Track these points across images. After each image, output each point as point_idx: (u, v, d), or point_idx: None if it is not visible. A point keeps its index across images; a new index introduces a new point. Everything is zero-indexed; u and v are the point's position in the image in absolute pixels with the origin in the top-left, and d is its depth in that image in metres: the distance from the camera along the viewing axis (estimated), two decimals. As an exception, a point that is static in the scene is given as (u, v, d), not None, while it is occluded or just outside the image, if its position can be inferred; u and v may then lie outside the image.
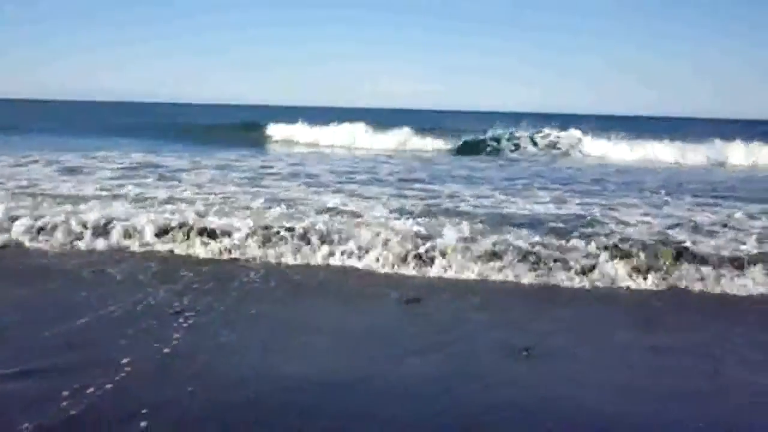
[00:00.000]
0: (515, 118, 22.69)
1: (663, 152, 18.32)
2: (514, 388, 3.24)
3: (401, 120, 24.45)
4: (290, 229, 5.82)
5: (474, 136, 20.74)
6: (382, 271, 5.29)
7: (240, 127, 25.61)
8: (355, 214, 6.72)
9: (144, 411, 2.80)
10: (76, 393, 2.94)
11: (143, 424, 2.70)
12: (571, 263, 5.20)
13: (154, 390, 3.03)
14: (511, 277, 5.11)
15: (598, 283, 5.03)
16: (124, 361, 3.32)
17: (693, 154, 17.91)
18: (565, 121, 22.14)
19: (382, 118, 26.13)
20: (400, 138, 20.96)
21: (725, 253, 5.42)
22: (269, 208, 6.94)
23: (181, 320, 3.96)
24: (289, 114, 28.35)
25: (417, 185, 10.07)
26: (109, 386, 3.03)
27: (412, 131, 21.33)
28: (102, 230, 5.92)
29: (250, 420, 2.81)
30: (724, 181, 12.42)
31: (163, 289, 4.59)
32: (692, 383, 3.35)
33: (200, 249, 5.63)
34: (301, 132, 23.00)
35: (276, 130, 23.80)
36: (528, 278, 5.08)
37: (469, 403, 3.03)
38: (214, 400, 2.96)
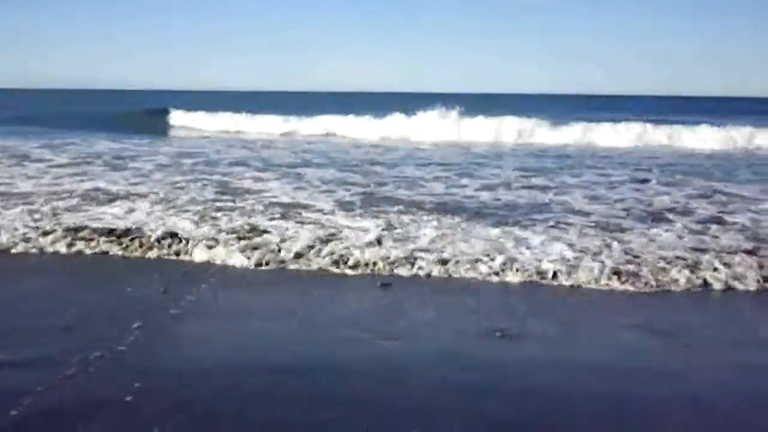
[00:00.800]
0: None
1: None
2: (488, 368, 3.27)
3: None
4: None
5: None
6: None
7: (144, 114, 25.26)
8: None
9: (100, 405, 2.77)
10: (29, 392, 2.85)
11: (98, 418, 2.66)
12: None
13: (108, 384, 2.96)
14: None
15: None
16: (75, 359, 3.22)
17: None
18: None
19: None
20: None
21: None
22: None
23: (137, 317, 3.84)
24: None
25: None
26: (61, 383, 2.96)
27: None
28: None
29: (220, 408, 2.78)
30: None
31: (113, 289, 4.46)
32: (662, 362, 3.41)
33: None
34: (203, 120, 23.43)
35: (179, 118, 23.94)
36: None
37: (441, 385, 3.05)
38: (178, 393, 2.91)
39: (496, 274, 4.77)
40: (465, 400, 2.91)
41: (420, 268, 4.88)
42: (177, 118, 24.22)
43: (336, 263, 5.00)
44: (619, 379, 3.18)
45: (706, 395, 3.01)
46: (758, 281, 4.62)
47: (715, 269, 4.74)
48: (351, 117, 21.02)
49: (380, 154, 13.55)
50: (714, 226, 6.23)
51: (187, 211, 6.67)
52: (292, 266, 4.98)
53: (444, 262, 4.94)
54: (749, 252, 5.20)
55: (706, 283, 4.60)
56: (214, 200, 7.35)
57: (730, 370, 3.30)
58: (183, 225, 5.98)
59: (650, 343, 3.66)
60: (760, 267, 4.80)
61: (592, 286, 4.57)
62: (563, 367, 3.30)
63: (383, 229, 5.88)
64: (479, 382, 3.10)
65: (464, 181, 9.51)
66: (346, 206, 7.11)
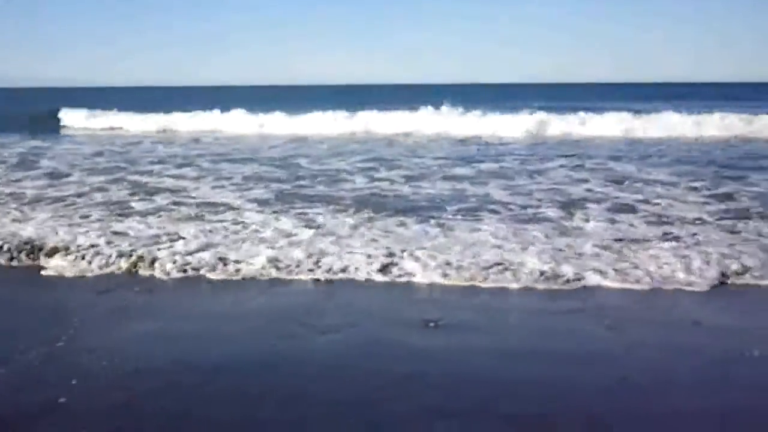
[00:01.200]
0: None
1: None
2: (420, 358, 3.31)
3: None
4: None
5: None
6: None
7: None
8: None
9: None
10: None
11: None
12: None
13: (44, 386, 2.95)
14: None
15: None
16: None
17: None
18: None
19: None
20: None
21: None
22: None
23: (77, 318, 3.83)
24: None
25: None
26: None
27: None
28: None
29: (165, 408, 2.77)
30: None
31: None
32: (585, 346, 3.50)
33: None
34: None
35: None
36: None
37: (374, 375, 3.09)
38: (123, 392, 2.89)
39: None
40: (401, 388, 2.95)
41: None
42: (68, 118, 22.69)
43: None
44: (549, 363, 3.27)
45: (634, 376, 3.10)
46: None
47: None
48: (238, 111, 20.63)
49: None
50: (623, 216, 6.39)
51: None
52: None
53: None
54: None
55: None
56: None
57: (654, 351, 3.41)
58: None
59: (576, 329, 3.76)
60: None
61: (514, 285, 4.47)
62: (492, 355, 3.37)
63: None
64: (414, 370, 3.14)
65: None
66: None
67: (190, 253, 5.02)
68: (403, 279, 4.58)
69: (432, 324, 3.74)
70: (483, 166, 10.46)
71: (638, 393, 2.93)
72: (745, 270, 4.57)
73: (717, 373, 3.16)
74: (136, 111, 22.45)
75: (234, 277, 4.65)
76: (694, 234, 5.56)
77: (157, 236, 5.62)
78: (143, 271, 4.79)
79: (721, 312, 3.99)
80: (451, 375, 3.11)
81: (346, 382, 3.05)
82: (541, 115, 17.46)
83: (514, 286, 4.39)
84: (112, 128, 21.12)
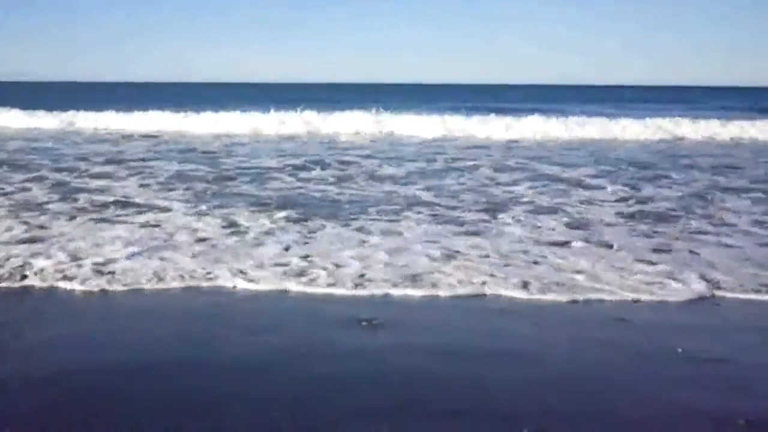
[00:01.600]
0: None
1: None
2: (353, 357, 3.33)
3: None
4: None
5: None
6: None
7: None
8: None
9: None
10: None
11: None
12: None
13: None
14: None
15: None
16: None
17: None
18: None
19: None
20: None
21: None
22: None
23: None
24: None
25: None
26: None
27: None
28: None
29: (75, 412, 2.69)
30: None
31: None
32: (517, 345, 3.60)
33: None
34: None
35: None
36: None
37: (303, 375, 3.09)
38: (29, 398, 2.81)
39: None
40: (330, 388, 2.96)
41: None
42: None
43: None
44: (472, 362, 3.35)
45: (554, 372, 3.21)
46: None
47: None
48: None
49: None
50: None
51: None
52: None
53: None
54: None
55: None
56: None
57: (575, 348, 3.52)
58: None
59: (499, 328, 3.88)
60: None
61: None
62: (420, 354, 3.41)
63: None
64: (341, 371, 3.16)
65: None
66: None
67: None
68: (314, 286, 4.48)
69: (364, 323, 3.74)
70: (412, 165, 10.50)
71: (556, 389, 3.00)
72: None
73: (641, 370, 3.25)
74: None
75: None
76: (607, 235, 5.76)
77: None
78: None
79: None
80: (376, 374, 3.13)
81: (267, 384, 3.01)
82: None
83: (434, 292, 4.36)
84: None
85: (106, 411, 2.71)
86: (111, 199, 7.24)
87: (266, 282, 4.43)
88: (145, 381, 2.99)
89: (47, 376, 3.02)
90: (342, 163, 10.91)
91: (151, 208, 6.76)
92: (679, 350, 3.40)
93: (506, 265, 4.80)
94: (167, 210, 6.64)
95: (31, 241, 5.29)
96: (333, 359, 3.29)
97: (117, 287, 4.30)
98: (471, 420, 2.70)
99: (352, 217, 6.43)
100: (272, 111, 19.06)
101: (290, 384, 3.00)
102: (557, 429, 2.64)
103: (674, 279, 4.56)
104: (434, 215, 6.60)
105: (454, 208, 7.01)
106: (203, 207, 6.78)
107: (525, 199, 7.58)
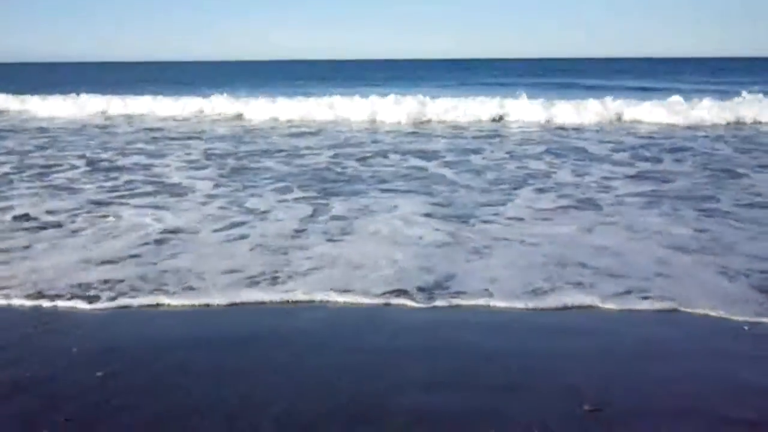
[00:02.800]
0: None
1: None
2: (408, 332, 3.31)
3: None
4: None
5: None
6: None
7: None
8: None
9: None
10: None
11: None
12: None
13: None
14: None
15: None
16: None
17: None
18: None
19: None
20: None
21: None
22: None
23: None
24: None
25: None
26: None
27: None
28: None
29: None
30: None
31: None
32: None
33: None
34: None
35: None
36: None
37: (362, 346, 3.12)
38: None
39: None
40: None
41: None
42: None
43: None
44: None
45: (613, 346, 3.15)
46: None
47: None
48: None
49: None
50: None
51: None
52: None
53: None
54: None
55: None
56: None
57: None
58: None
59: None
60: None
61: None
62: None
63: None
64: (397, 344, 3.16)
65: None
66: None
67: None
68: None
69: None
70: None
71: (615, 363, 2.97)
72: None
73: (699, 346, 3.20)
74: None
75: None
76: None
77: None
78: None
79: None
80: (431, 349, 3.13)
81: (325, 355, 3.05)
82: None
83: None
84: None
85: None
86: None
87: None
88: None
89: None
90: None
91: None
92: (745, 328, 3.31)
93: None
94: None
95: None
96: (386, 334, 3.30)
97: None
98: (531, 394, 2.69)
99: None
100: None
101: (345, 354, 3.04)
102: (618, 404, 2.60)
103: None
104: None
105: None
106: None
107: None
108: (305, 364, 2.95)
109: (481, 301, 3.69)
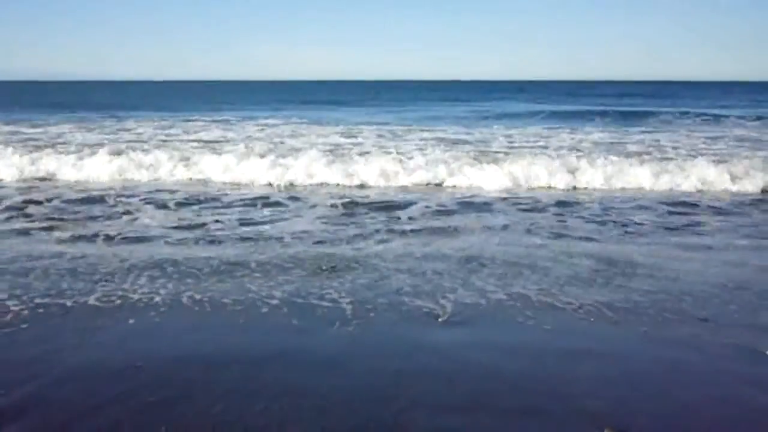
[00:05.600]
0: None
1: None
2: (427, 353, 3.30)
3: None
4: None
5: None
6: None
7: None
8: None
9: None
10: None
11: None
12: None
13: None
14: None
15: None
16: None
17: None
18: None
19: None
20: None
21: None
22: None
23: None
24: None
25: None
26: None
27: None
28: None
29: None
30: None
31: None
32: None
33: None
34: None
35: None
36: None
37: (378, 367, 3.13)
38: None
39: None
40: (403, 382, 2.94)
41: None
42: None
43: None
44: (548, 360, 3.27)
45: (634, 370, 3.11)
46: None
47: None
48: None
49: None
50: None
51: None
52: None
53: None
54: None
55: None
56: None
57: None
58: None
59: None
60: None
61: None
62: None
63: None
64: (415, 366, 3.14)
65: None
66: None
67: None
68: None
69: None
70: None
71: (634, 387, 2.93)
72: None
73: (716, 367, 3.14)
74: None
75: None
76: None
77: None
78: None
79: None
80: (449, 371, 3.11)
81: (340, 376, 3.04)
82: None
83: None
84: None
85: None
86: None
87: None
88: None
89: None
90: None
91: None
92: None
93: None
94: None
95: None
96: (404, 355, 3.27)
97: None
98: (549, 418, 2.65)
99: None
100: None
101: (363, 377, 3.03)
102: (639, 428, 2.56)
103: None
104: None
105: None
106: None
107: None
108: (323, 383, 2.94)
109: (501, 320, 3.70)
